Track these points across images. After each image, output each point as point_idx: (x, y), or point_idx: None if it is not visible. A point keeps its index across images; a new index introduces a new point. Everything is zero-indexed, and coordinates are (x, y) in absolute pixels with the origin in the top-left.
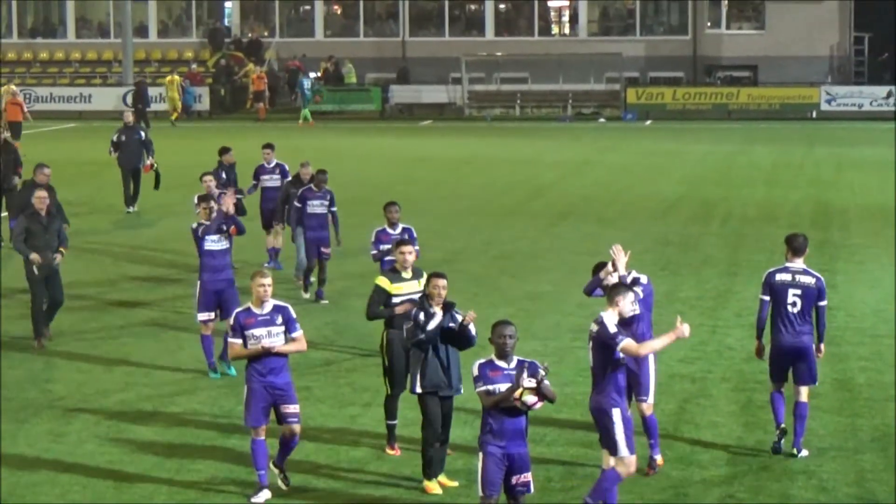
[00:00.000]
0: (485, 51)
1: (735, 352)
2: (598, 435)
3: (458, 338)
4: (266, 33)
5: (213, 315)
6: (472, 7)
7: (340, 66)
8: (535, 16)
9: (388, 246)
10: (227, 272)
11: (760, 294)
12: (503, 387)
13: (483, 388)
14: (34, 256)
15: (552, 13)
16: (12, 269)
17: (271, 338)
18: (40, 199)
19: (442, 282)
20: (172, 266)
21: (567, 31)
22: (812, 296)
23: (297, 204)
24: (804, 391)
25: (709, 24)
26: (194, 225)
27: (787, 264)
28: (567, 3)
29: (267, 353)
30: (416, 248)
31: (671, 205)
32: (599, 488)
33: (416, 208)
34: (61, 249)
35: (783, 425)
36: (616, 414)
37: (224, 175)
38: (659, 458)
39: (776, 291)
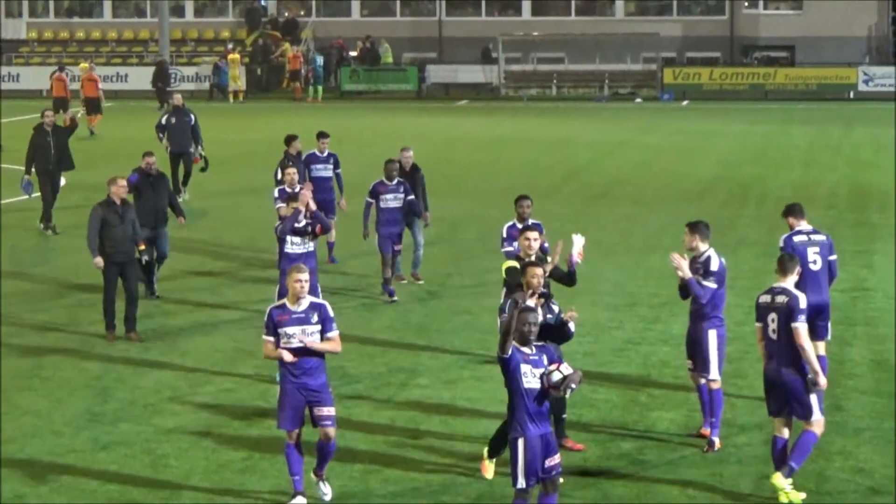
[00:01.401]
0: (521, 31)
1: None
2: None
3: (556, 333)
4: (302, 13)
5: None
6: None
7: (377, 46)
8: None
9: None
10: (311, 277)
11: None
12: (535, 370)
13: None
14: (97, 260)
15: None
16: (66, 260)
17: (305, 336)
18: (119, 188)
19: (539, 271)
20: (214, 254)
21: (604, 10)
22: (826, 250)
23: (368, 199)
24: (822, 346)
25: (746, 4)
26: (278, 224)
27: (798, 228)
28: None
29: (300, 353)
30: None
31: (707, 186)
32: (804, 451)
33: (451, 189)
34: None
35: None
36: (809, 381)
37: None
38: (717, 441)
39: (797, 252)
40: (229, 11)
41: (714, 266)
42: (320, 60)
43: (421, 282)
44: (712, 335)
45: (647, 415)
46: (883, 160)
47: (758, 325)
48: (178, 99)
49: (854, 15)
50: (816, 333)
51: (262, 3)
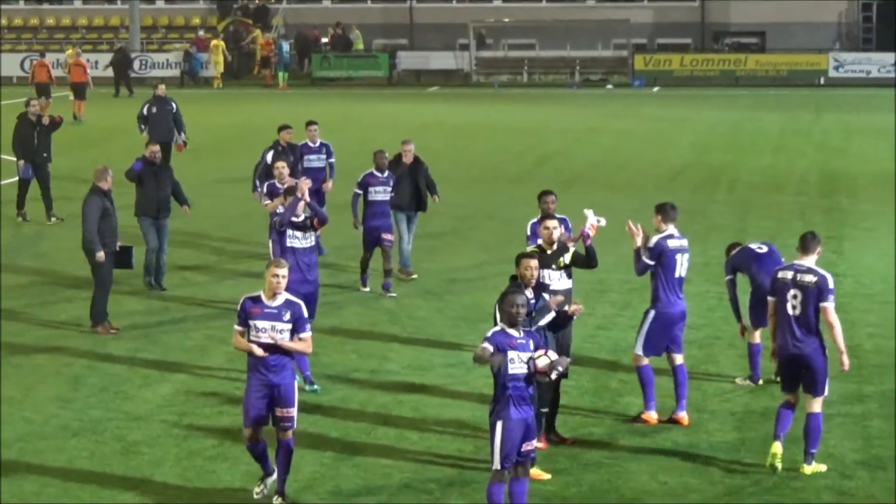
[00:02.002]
0: (492, 17)
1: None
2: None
3: (555, 324)
4: None
5: None
6: None
7: (348, 33)
8: None
9: None
10: (312, 272)
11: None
12: (523, 356)
13: (487, 348)
14: (100, 256)
15: None
16: (37, 248)
17: (275, 333)
18: (110, 179)
19: (534, 262)
20: (185, 244)
21: None
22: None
23: (357, 190)
24: (758, 334)
25: None
26: (275, 218)
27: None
28: None
29: (269, 349)
30: (570, 234)
31: (678, 172)
32: (817, 434)
33: None
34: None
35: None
36: (826, 358)
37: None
38: (649, 416)
39: (744, 261)
40: None
41: (650, 242)
42: (286, 46)
43: (415, 276)
44: (650, 314)
45: (618, 400)
46: (853, 146)
47: (771, 299)
48: (161, 89)
49: (824, 1)
50: (761, 320)
51: None
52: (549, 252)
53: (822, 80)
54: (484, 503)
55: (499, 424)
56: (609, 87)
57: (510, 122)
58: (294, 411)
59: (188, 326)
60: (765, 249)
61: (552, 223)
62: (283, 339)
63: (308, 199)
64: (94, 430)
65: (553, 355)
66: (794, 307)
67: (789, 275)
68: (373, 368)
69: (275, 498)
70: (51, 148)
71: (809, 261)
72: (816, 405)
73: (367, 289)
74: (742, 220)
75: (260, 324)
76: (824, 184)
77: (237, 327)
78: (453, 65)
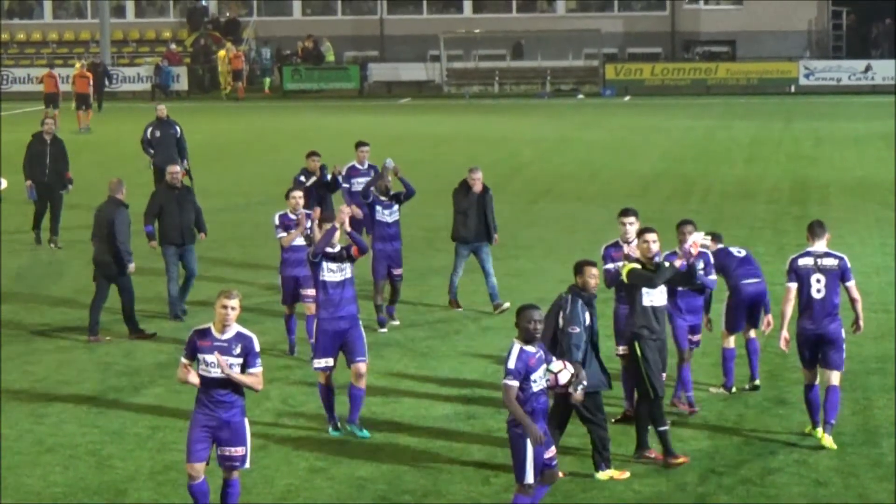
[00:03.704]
0: (463, 28)
1: (715, 326)
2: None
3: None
4: (244, 12)
5: (332, 362)
6: None
7: (319, 45)
8: None
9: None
10: (349, 307)
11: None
12: (541, 372)
13: (514, 381)
14: (132, 267)
15: None
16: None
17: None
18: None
19: (595, 270)
20: None
21: (545, 7)
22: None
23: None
24: (752, 333)
25: None
26: (310, 250)
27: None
28: None
29: (218, 384)
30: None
31: (650, 182)
32: (836, 406)
33: (395, 186)
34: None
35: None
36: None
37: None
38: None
39: (726, 262)
40: (170, 12)
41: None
42: (267, 53)
43: (506, 305)
44: (623, 310)
45: None
46: (823, 154)
47: (791, 285)
48: (161, 111)
49: (794, 9)
50: (738, 324)
51: (204, 2)
52: (648, 267)
53: (792, 88)
54: None
55: (528, 440)
56: (580, 96)
57: (482, 133)
58: (243, 450)
59: (161, 340)
60: (743, 254)
61: (651, 236)
62: (235, 373)
63: (349, 227)
64: (68, 444)
65: (571, 368)
66: (818, 290)
67: (810, 261)
68: (346, 379)
69: None
70: (68, 168)
71: (822, 245)
72: (835, 379)
73: (385, 330)
74: (715, 229)
75: (209, 357)
76: (796, 192)
77: (183, 360)
78: (424, 76)
